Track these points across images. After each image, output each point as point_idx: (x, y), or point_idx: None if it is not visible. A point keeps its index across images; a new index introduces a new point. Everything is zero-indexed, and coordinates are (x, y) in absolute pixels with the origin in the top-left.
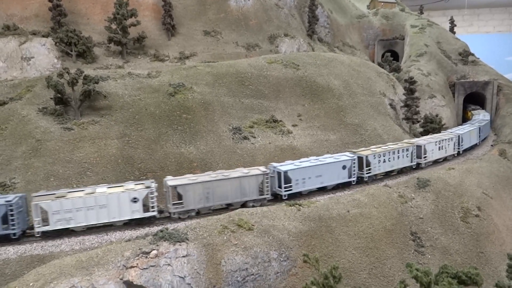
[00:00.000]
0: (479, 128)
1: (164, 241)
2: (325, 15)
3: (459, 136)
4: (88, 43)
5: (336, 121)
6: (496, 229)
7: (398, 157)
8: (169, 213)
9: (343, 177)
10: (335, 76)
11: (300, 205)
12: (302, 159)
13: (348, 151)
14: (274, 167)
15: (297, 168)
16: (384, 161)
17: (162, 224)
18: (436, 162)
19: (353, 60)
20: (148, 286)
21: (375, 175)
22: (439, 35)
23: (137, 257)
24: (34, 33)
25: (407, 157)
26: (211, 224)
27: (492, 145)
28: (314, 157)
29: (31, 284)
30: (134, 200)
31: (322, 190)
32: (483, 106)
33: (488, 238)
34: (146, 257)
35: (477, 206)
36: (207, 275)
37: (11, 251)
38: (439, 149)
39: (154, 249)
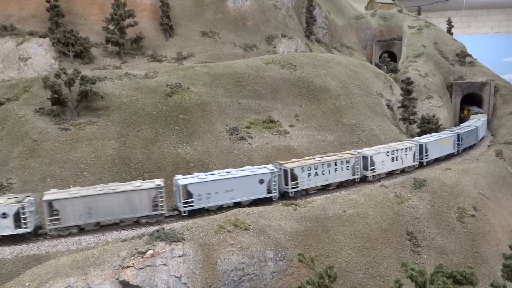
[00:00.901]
0: (458, 135)
1: (160, 241)
2: (322, 16)
3: (422, 145)
4: (85, 43)
5: (333, 121)
6: (492, 229)
7: (336, 170)
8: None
9: (260, 193)
10: (332, 77)
11: (296, 205)
12: (216, 171)
13: (275, 163)
14: (176, 180)
15: (200, 182)
16: (316, 174)
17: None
18: (391, 173)
19: (351, 60)
20: (144, 286)
21: (305, 189)
22: (437, 36)
23: (133, 257)
24: (31, 34)
25: (348, 169)
26: (207, 224)
27: (489, 146)
28: (234, 170)
29: (26, 284)
30: (3, 215)
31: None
32: (480, 107)
33: (484, 238)
34: (142, 257)
35: (473, 206)
36: (203, 275)
37: (7, 251)
38: (392, 160)
39: (150, 249)
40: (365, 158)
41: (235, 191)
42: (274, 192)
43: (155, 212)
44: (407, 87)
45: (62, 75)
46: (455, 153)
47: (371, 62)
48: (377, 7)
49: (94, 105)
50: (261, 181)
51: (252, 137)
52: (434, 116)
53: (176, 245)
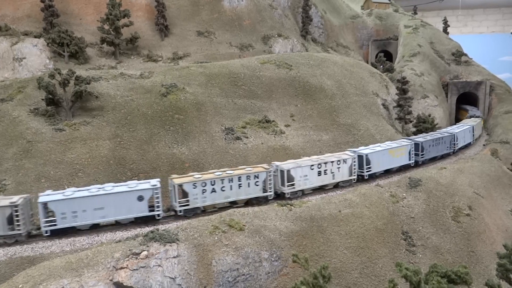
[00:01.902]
0: (415, 144)
1: (155, 242)
2: (318, 16)
3: (362, 156)
4: (80, 43)
5: (329, 121)
6: (487, 228)
7: (240, 186)
8: None
9: (140, 211)
10: (328, 77)
11: (291, 205)
12: (93, 186)
13: (172, 176)
14: (39, 196)
15: (65, 199)
16: (214, 191)
17: None
18: (321, 189)
19: (346, 60)
20: (138, 287)
21: (198, 208)
22: (433, 36)
23: (127, 258)
24: (26, 34)
25: (257, 185)
26: (202, 224)
27: (484, 145)
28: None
29: (20, 286)
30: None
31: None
32: (476, 106)
33: (479, 237)
34: (136, 258)
35: (468, 205)
36: (197, 276)
37: (0, 253)
38: (319, 174)
39: (144, 250)
40: (282, 172)
41: (107, 209)
42: (159, 210)
43: (11, 232)
44: (403, 87)
45: (57, 75)
46: (412, 165)
47: (367, 62)
48: (373, 6)
49: (89, 105)
50: (140, 198)
51: (247, 137)
52: (429, 115)
53: (171, 246)
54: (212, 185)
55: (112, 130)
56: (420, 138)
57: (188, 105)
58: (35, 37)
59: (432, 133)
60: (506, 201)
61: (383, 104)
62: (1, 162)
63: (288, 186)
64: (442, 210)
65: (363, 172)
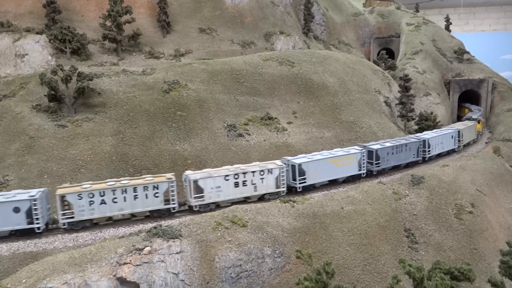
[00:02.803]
0: (369, 152)
1: (158, 237)
2: (320, 13)
3: (295, 166)
4: (82, 40)
5: (331, 118)
6: (490, 225)
7: (136, 197)
8: None
9: (16, 223)
10: (330, 74)
11: (294, 201)
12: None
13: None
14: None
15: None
16: (104, 203)
17: None
18: (243, 201)
19: (349, 57)
20: (142, 283)
21: (82, 221)
22: (435, 33)
23: (130, 254)
24: (28, 30)
25: (157, 196)
26: (205, 220)
27: (486, 143)
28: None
29: (23, 280)
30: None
31: None
32: (478, 104)
33: (482, 235)
34: (140, 253)
35: (471, 203)
36: (200, 272)
37: (4, 248)
38: (236, 186)
39: (147, 246)
40: (190, 182)
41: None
42: (37, 223)
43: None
44: (405, 84)
45: (59, 71)
46: (363, 175)
47: (369, 59)
48: (375, 4)
49: (91, 101)
50: (17, 210)
51: (250, 134)
52: (432, 113)
53: (174, 241)
54: (102, 196)
55: (114, 127)
56: (376, 145)
57: (191, 101)
58: (37, 33)
59: (396, 138)
60: (508, 198)
61: (385, 102)
62: (4, 158)
63: (196, 199)
64: (444, 208)
65: (295, 183)
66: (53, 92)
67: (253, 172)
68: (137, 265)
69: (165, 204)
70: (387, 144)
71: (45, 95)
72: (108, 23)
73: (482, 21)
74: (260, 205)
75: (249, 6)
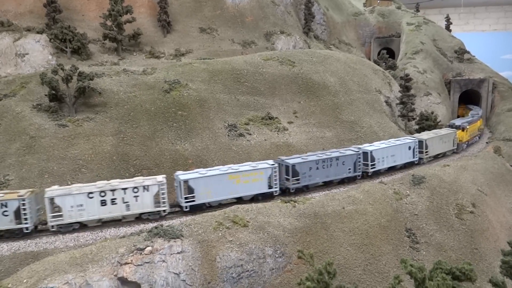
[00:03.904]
0: (286, 167)
1: (159, 237)
2: (321, 13)
3: (180, 182)
4: (83, 39)
5: (332, 118)
6: (491, 225)
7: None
8: None
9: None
10: (331, 73)
11: (295, 201)
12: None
13: None
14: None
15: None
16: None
17: None
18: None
19: (349, 57)
20: (143, 283)
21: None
22: (435, 33)
23: (131, 254)
24: (28, 30)
25: (5, 215)
26: (206, 220)
27: (487, 142)
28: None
29: (24, 280)
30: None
31: None
32: (478, 104)
33: (483, 235)
34: (141, 253)
35: (472, 202)
36: (202, 272)
37: (4, 248)
38: (103, 204)
39: (148, 246)
40: (51, 200)
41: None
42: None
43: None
44: (406, 84)
45: (60, 71)
46: (276, 193)
47: (369, 59)
48: (375, 4)
49: (92, 101)
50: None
51: (250, 134)
52: (432, 112)
53: (175, 241)
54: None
55: (115, 126)
56: (296, 158)
57: (191, 101)
58: (38, 32)
59: (325, 151)
60: (509, 198)
61: (386, 101)
62: (4, 157)
63: (53, 218)
64: (445, 207)
65: (181, 202)
66: (53, 92)
67: (125, 189)
68: (138, 265)
69: (17, 224)
70: (311, 158)
71: (45, 95)
72: (109, 23)
73: (482, 21)
74: (261, 205)
75: (249, 5)
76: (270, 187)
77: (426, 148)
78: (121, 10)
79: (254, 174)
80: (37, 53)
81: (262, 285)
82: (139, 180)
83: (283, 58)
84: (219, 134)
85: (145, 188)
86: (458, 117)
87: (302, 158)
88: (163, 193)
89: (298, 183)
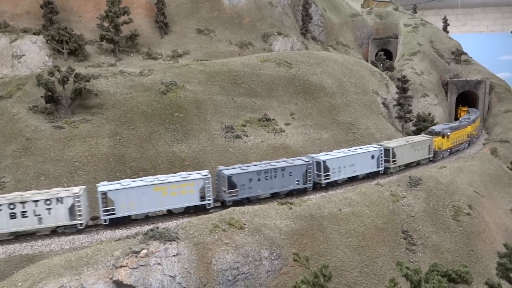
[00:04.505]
0: (222, 178)
1: (155, 240)
2: (318, 14)
3: (98, 193)
4: (80, 41)
5: (329, 119)
6: (487, 227)
7: None
8: None
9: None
10: (328, 75)
11: (291, 203)
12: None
13: None
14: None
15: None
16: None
17: None
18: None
19: (346, 58)
20: (138, 286)
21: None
22: (432, 34)
23: (127, 257)
24: (25, 31)
25: None
26: (202, 223)
27: (484, 144)
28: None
29: (19, 284)
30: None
31: None
32: (475, 105)
33: (479, 237)
34: (136, 256)
35: (468, 204)
36: (197, 274)
37: (0, 251)
38: (12, 217)
39: (144, 248)
40: None
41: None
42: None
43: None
44: (403, 85)
45: (56, 72)
46: (209, 205)
47: (367, 60)
48: (373, 5)
49: (88, 103)
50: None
51: (247, 136)
52: (429, 114)
53: (171, 244)
54: None
55: (111, 128)
56: (236, 169)
57: (188, 103)
58: (34, 34)
59: (271, 162)
60: (506, 200)
61: (383, 103)
62: (0, 159)
63: None
64: (442, 209)
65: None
66: (50, 93)
67: (36, 201)
68: (134, 268)
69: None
70: (251, 168)
71: (42, 96)
72: (106, 24)
73: (479, 22)
74: (258, 207)
75: (247, 7)
76: (203, 199)
77: (394, 157)
78: (118, 11)
79: (184, 186)
80: (34, 55)
81: None
82: (53, 192)
83: (280, 60)
84: (216, 136)
85: (59, 200)
86: (456, 119)
87: (242, 169)
88: (79, 206)
89: (236, 195)
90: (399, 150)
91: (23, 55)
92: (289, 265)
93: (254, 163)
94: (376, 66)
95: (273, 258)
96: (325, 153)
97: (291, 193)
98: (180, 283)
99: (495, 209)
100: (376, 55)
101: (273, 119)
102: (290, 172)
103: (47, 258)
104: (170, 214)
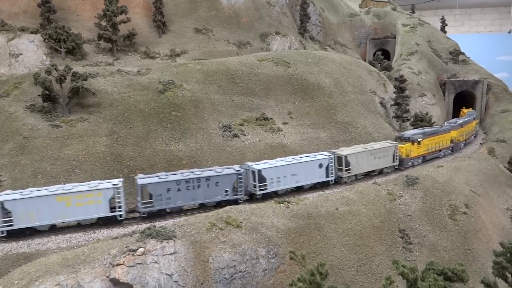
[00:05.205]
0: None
1: (151, 238)
2: (316, 14)
3: None
4: (77, 40)
5: (327, 119)
6: (484, 226)
7: None
8: None
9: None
10: (325, 74)
11: (288, 202)
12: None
13: None
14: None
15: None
16: None
17: None
18: None
19: (344, 58)
20: (135, 284)
21: None
22: (430, 34)
23: (123, 255)
24: (22, 30)
25: None
26: (199, 221)
27: (481, 144)
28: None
29: (16, 282)
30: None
31: None
32: (473, 105)
33: (476, 235)
34: (133, 254)
35: (465, 203)
36: (194, 273)
37: None
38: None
39: (141, 247)
40: None
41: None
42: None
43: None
44: (401, 85)
45: (53, 71)
46: (119, 217)
47: (365, 60)
48: (371, 5)
49: (86, 102)
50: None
51: (245, 135)
52: (427, 113)
53: (168, 242)
54: None
55: (109, 127)
56: (152, 178)
57: (186, 102)
58: (32, 33)
59: (195, 170)
60: (502, 199)
61: (380, 102)
62: None
63: None
64: (439, 208)
65: None
66: (47, 92)
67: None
68: (131, 266)
69: None
70: (170, 178)
71: (39, 95)
72: (103, 23)
73: (477, 23)
74: (255, 205)
75: (245, 6)
76: (113, 210)
77: (347, 166)
78: (116, 11)
79: (91, 196)
80: (31, 53)
81: (255, 286)
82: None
83: (278, 59)
84: (214, 135)
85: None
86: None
87: (160, 178)
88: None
89: (152, 206)
90: (353, 158)
91: (21, 54)
92: (286, 263)
93: (181, 171)
94: (374, 66)
95: (270, 256)
96: (265, 161)
97: (219, 204)
98: (177, 281)
99: (492, 208)
100: (374, 55)
101: (271, 118)
102: (217, 182)
103: (43, 256)
104: (80, 225)
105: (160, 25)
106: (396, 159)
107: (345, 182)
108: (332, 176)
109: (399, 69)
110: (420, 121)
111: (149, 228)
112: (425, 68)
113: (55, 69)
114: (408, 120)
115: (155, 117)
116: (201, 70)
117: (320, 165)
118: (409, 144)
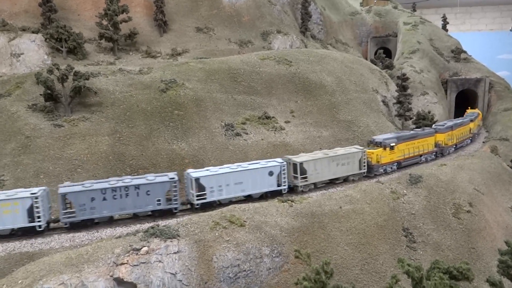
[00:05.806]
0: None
1: (155, 237)
2: (318, 12)
3: None
4: (78, 39)
5: (329, 117)
6: (488, 225)
7: None
8: None
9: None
10: (327, 73)
11: (292, 201)
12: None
13: None
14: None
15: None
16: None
17: None
18: None
19: (346, 57)
20: (139, 283)
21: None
22: (432, 33)
23: (127, 254)
24: (23, 29)
25: None
26: (202, 220)
27: (484, 142)
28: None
29: (19, 281)
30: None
31: None
32: (475, 103)
33: (480, 234)
34: (137, 253)
35: (469, 202)
36: (198, 272)
37: None
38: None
39: (144, 246)
40: None
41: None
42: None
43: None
44: (403, 83)
45: (55, 70)
46: (39, 228)
47: (366, 59)
48: (372, 3)
49: (88, 101)
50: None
51: (247, 133)
52: (429, 112)
53: (171, 241)
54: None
55: (111, 126)
56: (76, 186)
57: (188, 101)
58: (33, 32)
59: (124, 178)
60: (506, 197)
61: (383, 101)
62: None
63: None
64: (442, 207)
65: None
66: (49, 92)
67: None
68: (135, 265)
69: None
70: (95, 186)
71: (41, 95)
72: (105, 22)
73: (478, 21)
74: (258, 204)
75: (246, 5)
76: (32, 220)
77: (303, 173)
78: (117, 10)
79: (6, 205)
80: (33, 53)
81: (259, 285)
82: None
83: (279, 58)
84: (216, 134)
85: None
86: (455, 116)
87: (83, 186)
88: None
89: (74, 216)
90: (311, 165)
91: (22, 54)
92: (290, 262)
93: (111, 179)
94: (375, 64)
95: (274, 255)
96: (206, 168)
97: (153, 214)
98: (181, 281)
99: (496, 207)
100: (375, 53)
101: (273, 117)
102: (148, 191)
103: (47, 255)
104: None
105: (161, 24)
106: (364, 165)
107: (302, 191)
108: (284, 185)
109: (401, 68)
110: (423, 119)
111: (152, 227)
112: (427, 67)
113: (57, 68)
114: (411, 118)
115: (157, 116)
116: (203, 68)
117: (271, 173)
118: (381, 149)
